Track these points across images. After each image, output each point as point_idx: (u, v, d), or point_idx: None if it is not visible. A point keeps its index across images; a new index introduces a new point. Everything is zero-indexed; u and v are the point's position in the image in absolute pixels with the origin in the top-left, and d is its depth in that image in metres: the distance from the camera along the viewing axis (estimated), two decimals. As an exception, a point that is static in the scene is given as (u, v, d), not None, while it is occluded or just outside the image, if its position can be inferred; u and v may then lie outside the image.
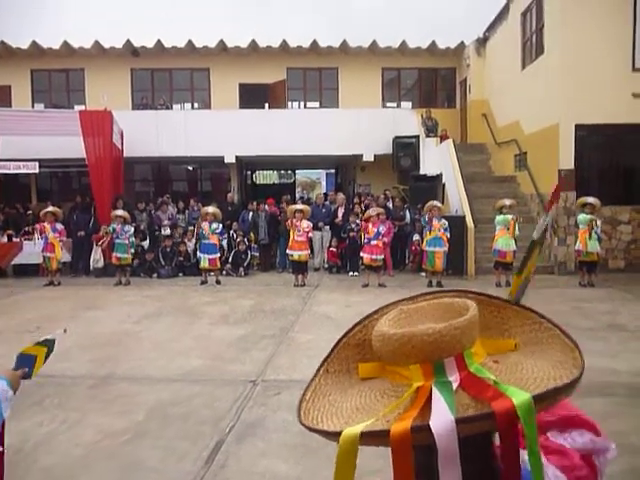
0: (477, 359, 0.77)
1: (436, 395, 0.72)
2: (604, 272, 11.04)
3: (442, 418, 0.69)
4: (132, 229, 11.26)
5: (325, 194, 14.27)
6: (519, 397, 0.69)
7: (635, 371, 5.27)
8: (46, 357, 1.94)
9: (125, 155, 14.05)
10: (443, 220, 10.35)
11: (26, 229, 12.39)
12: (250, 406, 4.55)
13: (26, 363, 1.88)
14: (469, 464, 0.71)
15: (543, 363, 0.79)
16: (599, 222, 10.07)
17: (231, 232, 12.74)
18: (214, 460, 3.60)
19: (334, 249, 12.29)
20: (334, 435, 0.73)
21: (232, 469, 3.49)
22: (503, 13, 14.96)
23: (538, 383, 0.74)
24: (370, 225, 10.52)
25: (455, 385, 0.73)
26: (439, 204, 10.67)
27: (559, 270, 11.46)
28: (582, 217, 10.15)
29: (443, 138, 15.18)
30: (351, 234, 11.75)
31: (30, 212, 13.84)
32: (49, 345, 1.96)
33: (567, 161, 11.58)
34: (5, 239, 12.15)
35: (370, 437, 0.70)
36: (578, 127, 11.53)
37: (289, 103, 18.03)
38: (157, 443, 3.85)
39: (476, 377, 0.74)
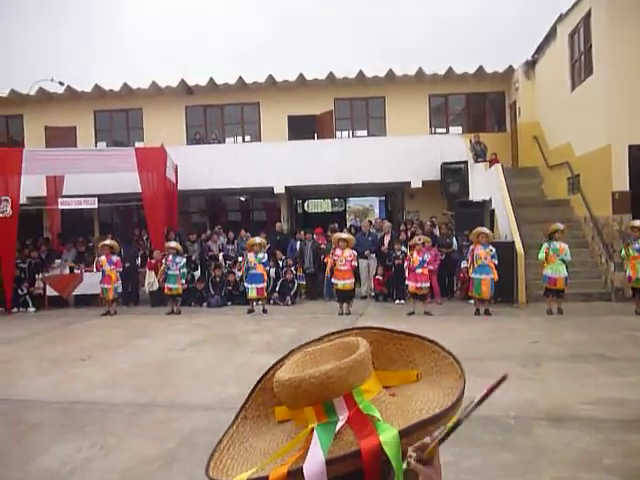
0: (368, 395, 0.79)
1: (315, 438, 0.76)
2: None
3: (314, 460, 0.73)
4: (183, 260, 11.67)
5: (370, 222, 14.32)
6: (386, 434, 0.73)
7: (687, 405, 4.96)
8: None
9: (180, 188, 14.68)
10: (490, 247, 10.14)
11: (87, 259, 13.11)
12: (280, 435, 4.59)
13: None
14: None
15: (437, 391, 0.83)
16: None
17: (279, 261, 12.98)
18: (238, 488, 3.66)
19: (380, 277, 12.26)
20: None
21: (254, 498, 3.54)
22: (551, 35, 14.75)
23: (423, 415, 0.78)
24: (415, 253, 10.46)
25: (341, 424, 0.77)
26: (486, 230, 10.47)
27: (616, 297, 10.94)
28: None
29: (492, 162, 14.96)
30: (396, 262, 11.71)
31: (92, 245, 14.65)
32: None
33: (621, 183, 11.18)
34: (67, 270, 12.88)
35: None
36: (632, 148, 11.13)
37: (337, 133, 18.32)
38: (185, 470, 3.95)
39: (363, 414, 0.77)
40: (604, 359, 6.63)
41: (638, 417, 4.69)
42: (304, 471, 0.72)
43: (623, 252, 9.78)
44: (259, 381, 0.96)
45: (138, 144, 17.12)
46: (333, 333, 0.97)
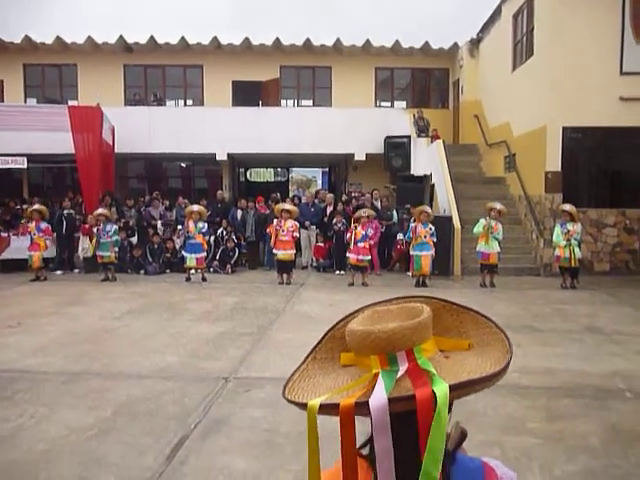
0: (426, 354, 0.92)
1: (379, 380, 0.89)
2: (589, 275, 11.11)
3: (378, 396, 0.86)
4: (114, 227, 11.27)
5: (317, 192, 14.34)
6: (439, 386, 0.85)
7: (605, 373, 5.32)
8: None
9: (117, 151, 14.10)
10: (429, 226, 10.33)
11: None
12: (219, 403, 4.59)
13: None
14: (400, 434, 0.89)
15: (485, 360, 0.95)
16: (579, 228, 10.12)
17: (220, 229, 12.78)
18: (175, 456, 3.63)
19: (322, 244, 12.32)
20: (303, 406, 0.91)
21: (192, 465, 3.52)
22: (495, 15, 15.00)
23: (469, 375, 0.90)
24: (359, 227, 10.55)
25: (401, 373, 0.90)
26: (428, 210, 10.61)
27: (544, 272, 11.51)
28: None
29: (434, 138, 15.21)
30: (336, 229, 11.78)
31: (22, 207, 13.86)
32: None
33: (554, 163, 11.64)
34: (-7, 234, 12.19)
35: (326, 408, 0.88)
36: (566, 130, 11.59)
37: (282, 101, 18.05)
38: (121, 439, 3.88)
39: (420, 368, 0.90)
40: (533, 330, 6.99)
41: (562, 385, 4.99)
42: (370, 404, 0.85)
43: (559, 234, 10.11)
44: (331, 329, 1.08)
45: (72, 102, 16.22)
46: (400, 298, 1.08)
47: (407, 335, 0.90)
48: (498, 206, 10.52)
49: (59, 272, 12.01)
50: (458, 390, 0.87)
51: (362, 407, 0.86)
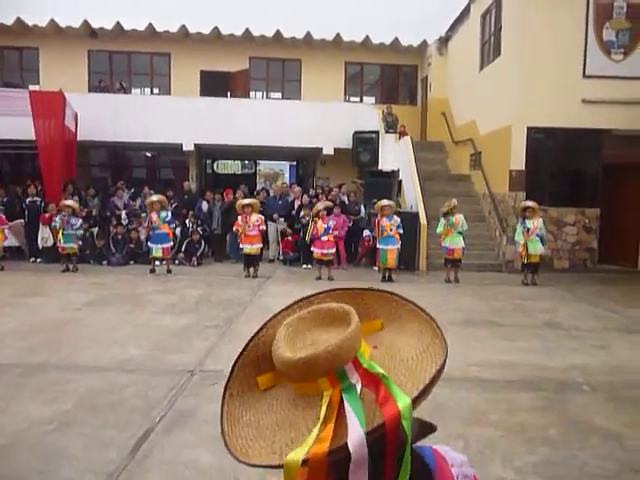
0: (366, 355, 0.84)
1: (347, 407, 0.78)
2: (549, 272, 11.41)
3: (355, 435, 0.75)
4: (79, 222, 11.03)
5: (283, 184, 14.27)
6: (402, 401, 0.76)
7: (565, 367, 5.47)
8: None
9: (80, 139, 13.73)
10: (395, 218, 10.37)
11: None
12: (185, 396, 4.53)
13: None
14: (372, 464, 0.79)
15: (409, 338, 0.88)
16: (540, 223, 10.35)
17: (186, 221, 12.62)
18: (139, 449, 3.57)
19: (289, 238, 12.29)
20: (276, 467, 0.77)
21: (156, 459, 3.47)
22: (464, 13, 15.19)
23: (418, 368, 0.83)
24: (319, 221, 10.53)
25: (359, 386, 0.80)
26: (388, 203, 10.55)
27: (506, 268, 11.77)
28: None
29: (402, 134, 15.34)
30: (304, 222, 11.76)
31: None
32: None
33: (518, 162, 11.89)
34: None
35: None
36: (530, 129, 11.83)
37: (251, 93, 17.89)
38: (83, 432, 3.79)
39: (369, 372, 0.81)
40: (494, 325, 7.14)
41: (522, 378, 5.11)
42: (350, 447, 0.73)
43: (520, 233, 10.32)
44: (238, 358, 0.95)
45: (33, 87, 15.68)
46: (299, 300, 0.98)
47: (351, 345, 0.82)
48: (452, 203, 10.60)
49: (32, 260, 11.86)
50: (418, 400, 0.78)
51: (339, 452, 0.75)
